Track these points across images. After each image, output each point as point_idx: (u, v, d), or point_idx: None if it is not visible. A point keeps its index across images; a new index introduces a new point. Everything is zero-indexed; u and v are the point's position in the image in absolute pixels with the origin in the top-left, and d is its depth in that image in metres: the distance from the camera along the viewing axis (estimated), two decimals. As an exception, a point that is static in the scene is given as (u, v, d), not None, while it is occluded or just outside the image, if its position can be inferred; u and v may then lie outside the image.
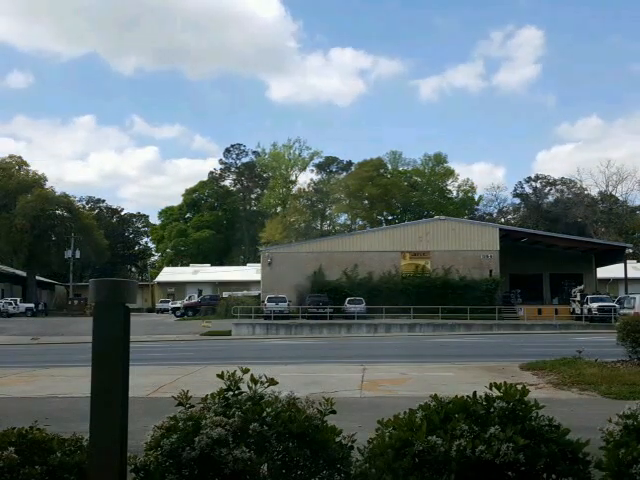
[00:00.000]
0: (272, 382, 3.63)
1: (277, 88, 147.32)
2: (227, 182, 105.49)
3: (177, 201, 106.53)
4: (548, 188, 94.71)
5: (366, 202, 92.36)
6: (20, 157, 78.99)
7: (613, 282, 62.13)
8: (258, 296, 52.00)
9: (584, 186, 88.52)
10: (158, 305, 72.58)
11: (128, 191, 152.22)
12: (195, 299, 61.03)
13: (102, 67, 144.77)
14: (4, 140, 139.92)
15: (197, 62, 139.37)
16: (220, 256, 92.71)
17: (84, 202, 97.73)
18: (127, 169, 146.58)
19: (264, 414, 3.42)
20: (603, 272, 58.99)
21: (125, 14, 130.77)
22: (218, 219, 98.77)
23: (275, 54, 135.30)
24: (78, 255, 72.64)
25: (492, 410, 3.34)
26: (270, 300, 47.48)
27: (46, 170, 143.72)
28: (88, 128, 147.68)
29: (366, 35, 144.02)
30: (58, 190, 76.16)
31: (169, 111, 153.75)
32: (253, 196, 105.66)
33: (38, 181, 75.14)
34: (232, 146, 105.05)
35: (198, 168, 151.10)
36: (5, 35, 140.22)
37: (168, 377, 14.08)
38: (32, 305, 63.33)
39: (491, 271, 50.76)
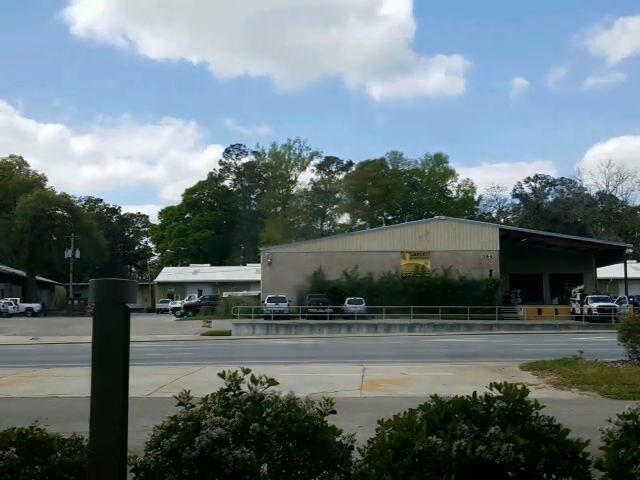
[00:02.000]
0: (272, 382, 3.63)
1: (378, 92, 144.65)
2: (227, 182, 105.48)
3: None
4: (548, 188, 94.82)
5: (367, 202, 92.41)
6: (21, 157, 79.22)
7: (613, 282, 62.13)
8: (258, 296, 51.98)
9: (584, 186, 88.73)
10: (158, 305, 72.53)
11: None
12: (195, 299, 61.04)
13: (199, 69, 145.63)
14: (85, 137, 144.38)
15: (298, 64, 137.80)
16: (220, 256, 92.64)
17: (83, 202, 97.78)
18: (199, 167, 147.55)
19: (264, 414, 3.41)
20: (603, 272, 58.99)
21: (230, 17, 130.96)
22: (218, 219, 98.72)
23: (383, 59, 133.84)
24: (78, 255, 72.68)
25: (492, 410, 3.34)
26: (270, 300, 47.45)
27: (115, 169, 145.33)
28: (175, 128, 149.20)
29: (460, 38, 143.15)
30: (127, 191, 76.70)
31: (262, 114, 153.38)
32: (253, 196, 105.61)
33: (38, 181, 75.20)
34: (232, 146, 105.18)
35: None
36: (109, 37, 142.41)
37: (168, 377, 14.08)
38: (33, 305, 63.32)
39: (491, 271, 50.74)
